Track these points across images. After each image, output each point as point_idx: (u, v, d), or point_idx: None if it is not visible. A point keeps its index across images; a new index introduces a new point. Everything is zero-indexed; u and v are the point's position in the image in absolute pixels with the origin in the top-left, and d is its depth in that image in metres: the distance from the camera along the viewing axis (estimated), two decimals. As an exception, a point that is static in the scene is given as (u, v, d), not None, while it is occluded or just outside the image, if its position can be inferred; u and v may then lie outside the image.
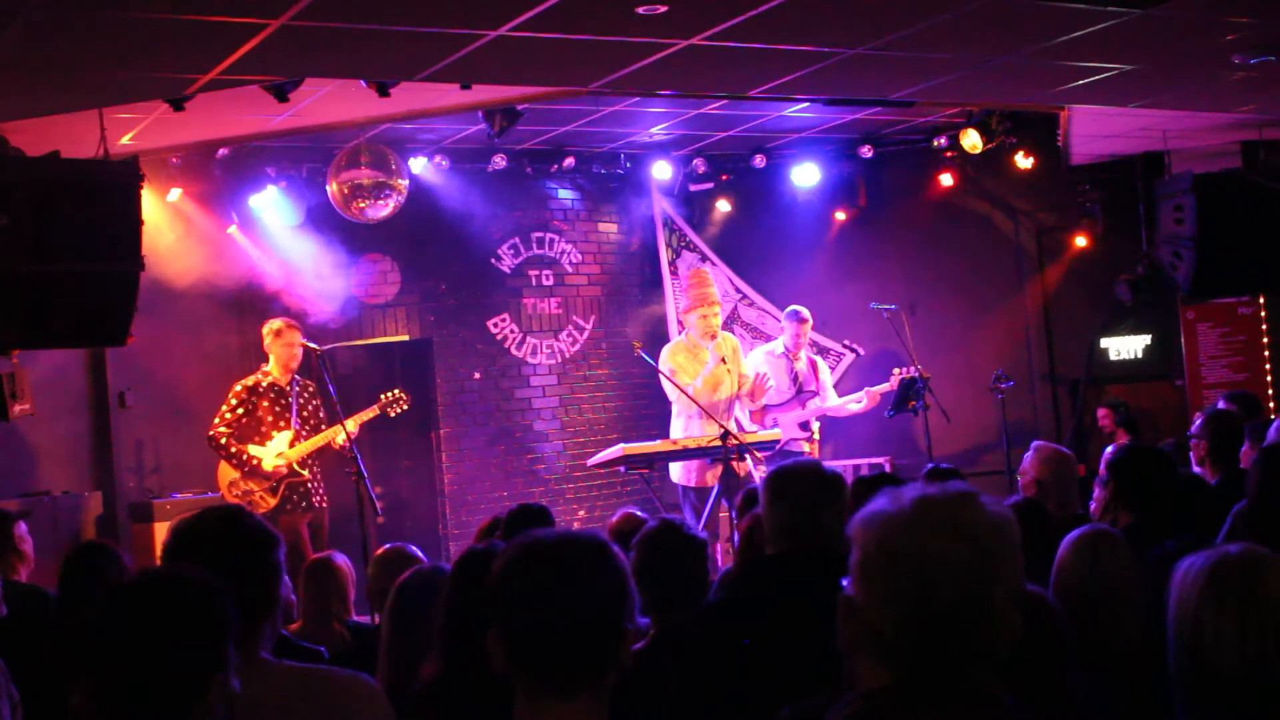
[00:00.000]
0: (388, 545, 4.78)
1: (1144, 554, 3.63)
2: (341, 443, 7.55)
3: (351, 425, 7.36)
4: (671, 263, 10.56)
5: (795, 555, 3.27)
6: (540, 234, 10.10)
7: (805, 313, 8.91)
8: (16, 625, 4.25)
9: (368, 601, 5.08)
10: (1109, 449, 7.03)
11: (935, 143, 9.91)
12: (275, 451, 7.73)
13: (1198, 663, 2.14)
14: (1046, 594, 2.82)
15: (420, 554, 4.68)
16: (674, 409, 8.10)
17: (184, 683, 2.10)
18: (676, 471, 8.04)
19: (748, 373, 8.19)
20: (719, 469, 7.56)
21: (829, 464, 10.09)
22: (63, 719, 3.15)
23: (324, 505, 7.94)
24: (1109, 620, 3.15)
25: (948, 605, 1.74)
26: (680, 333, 8.50)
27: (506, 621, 1.96)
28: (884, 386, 8.87)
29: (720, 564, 7.20)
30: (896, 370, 8.85)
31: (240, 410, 7.75)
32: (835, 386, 9.42)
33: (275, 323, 7.91)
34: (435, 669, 2.86)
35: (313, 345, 7.63)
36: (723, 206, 10.60)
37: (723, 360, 7.92)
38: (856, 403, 9.02)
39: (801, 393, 8.89)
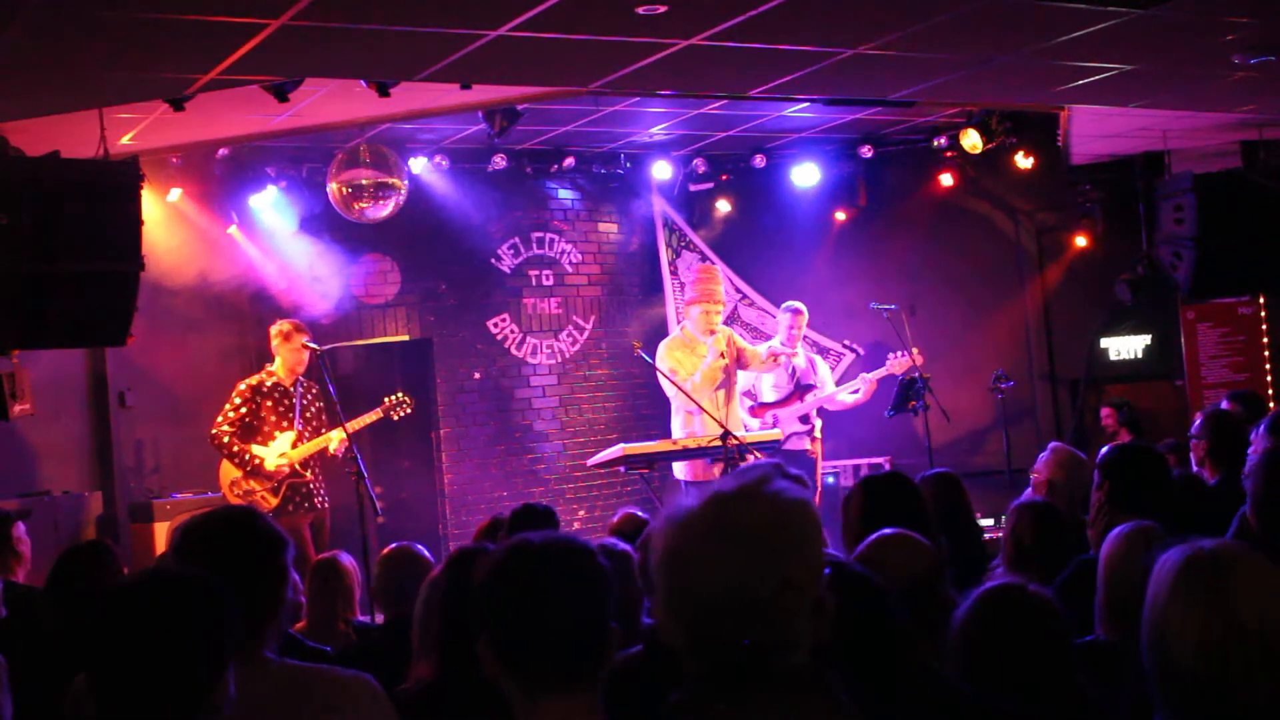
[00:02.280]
0: (394, 545, 4.77)
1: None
2: (335, 449, 7.56)
3: (351, 428, 7.34)
4: (671, 263, 10.56)
5: None
6: (540, 234, 10.09)
7: (800, 305, 8.90)
8: (13, 626, 4.25)
9: (371, 601, 5.07)
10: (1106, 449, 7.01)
11: (935, 143, 9.91)
12: (278, 452, 7.71)
13: (1164, 659, 2.03)
14: (1050, 594, 2.79)
15: (426, 553, 4.68)
16: (673, 405, 8.11)
17: (186, 686, 2.09)
18: (680, 468, 8.05)
19: (752, 348, 8.23)
20: (720, 466, 7.57)
21: (828, 464, 10.00)
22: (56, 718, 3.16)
23: (325, 506, 7.93)
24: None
25: (716, 605, 1.70)
26: (679, 329, 8.51)
27: (494, 626, 1.98)
28: (880, 372, 8.86)
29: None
30: (891, 356, 8.85)
31: (244, 409, 7.72)
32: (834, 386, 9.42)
33: (284, 325, 7.86)
34: (430, 670, 2.86)
35: (313, 345, 7.63)
36: (723, 206, 10.59)
37: (721, 355, 7.94)
38: (854, 391, 9.02)
39: (800, 387, 8.90)
